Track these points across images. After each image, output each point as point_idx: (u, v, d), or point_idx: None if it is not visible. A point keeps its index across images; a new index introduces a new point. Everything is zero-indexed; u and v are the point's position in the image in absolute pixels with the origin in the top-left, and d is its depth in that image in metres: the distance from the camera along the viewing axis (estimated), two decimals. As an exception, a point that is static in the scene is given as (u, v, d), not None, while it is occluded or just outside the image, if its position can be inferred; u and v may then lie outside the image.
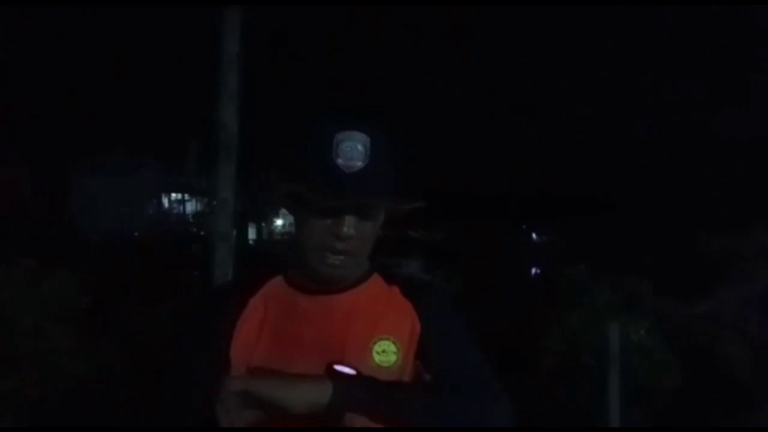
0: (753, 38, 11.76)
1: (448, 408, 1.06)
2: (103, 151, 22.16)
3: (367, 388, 1.03)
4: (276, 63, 13.21)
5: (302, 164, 1.09)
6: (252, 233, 21.50)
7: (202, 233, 19.13)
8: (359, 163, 1.07)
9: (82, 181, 22.25)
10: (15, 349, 4.26)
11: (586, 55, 15.59)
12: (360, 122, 1.09)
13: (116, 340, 5.13)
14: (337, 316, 1.14)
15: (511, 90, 16.68)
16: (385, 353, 1.12)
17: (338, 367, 1.05)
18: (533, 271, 16.26)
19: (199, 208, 24.22)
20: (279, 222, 24.10)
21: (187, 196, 25.70)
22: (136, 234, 20.33)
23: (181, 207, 26.40)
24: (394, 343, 1.13)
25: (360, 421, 1.03)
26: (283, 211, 1.22)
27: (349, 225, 1.08)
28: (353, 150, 1.07)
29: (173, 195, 26.44)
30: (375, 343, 1.12)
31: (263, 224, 23.21)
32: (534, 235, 20.27)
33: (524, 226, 19.71)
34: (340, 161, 1.06)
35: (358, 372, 1.06)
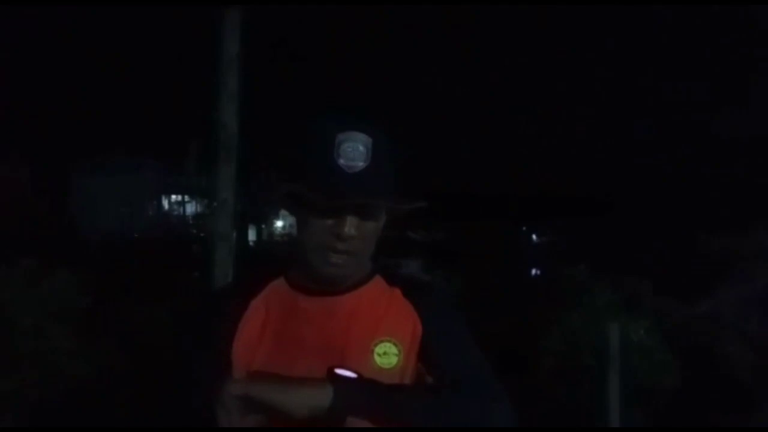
0: (753, 38, 11.77)
1: (449, 410, 1.06)
2: (103, 151, 22.15)
3: (368, 392, 1.03)
4: (276, 63, 13.20)
5: (303, 164, 1.09)
6: (252, 234, 21.50)
7: (202, 234, 19.13)
8: (361, 164, 1.07)
9: (82, 181, 22.23)
10: (15, 349, 4.26)
11: (586, 55, 15.59)
12: (361, 123, 1.09)
13: (116, 340, 5.14)
14: (338, 318, 1.14)
15: (511, 90, 16.68)
16: (387, 355, 1.12)
17: (339, 371, 1.05)
18: (533, 271, 16.27)
19: (199, 208, 24.21)
20: (279, 223, 24.09)
21: (187, 197, 25.70)
22: (135, 234, 20.33)
23: (181, 207, 26.39)
24: (395, 344, 1.13)
25: (361, 423, 1.03)
26: (284, 212, 1.22)
27: (350, 225, 1.08)
28: (355, 150, 1.07)
29: (173, 195, 26.44)
30: (376, 344, 1.12)
31: (263, 225, 23.21)
32: (534, 236, 20.27)
33: (524, 227, 19.70)
34: (341, 161, 1.06)
35: (359, 375, 1.06)
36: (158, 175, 24.68)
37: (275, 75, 13.39)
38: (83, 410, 4.48)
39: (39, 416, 4.30)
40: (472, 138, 17.85)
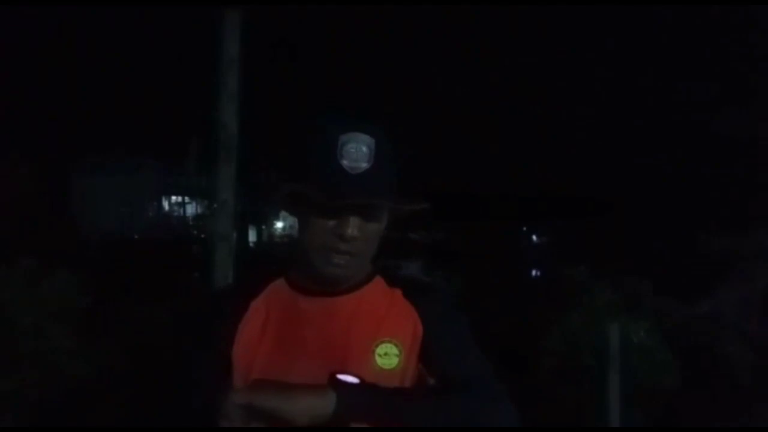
0: (753, 38, 11.76)
1: (452, 413, 1.06)
2: (103, 151, 22.15)
3: (371, 397, 1.03)
4: (276, 63, 13.20)
5: (306, 165, 1.09)
6: (252, 235, 21.50)
7: (202, 235, 19.14)
8: (364, 165, 1.07)
9: (82, 181, 22.25)
10: (15, 349, 4.26)
11: (586, 55, 15.58)
12: (364, 123, 1.10)
13: (116, 340, 5.14)
14: (339, 319, 1.14)
15: (511, 90, 16.67)
16: (388, 356, 1.12)
17: (341, 377, 1.05)
18: (533, 271, 16.27)
19: (199, 209, 24.23)
20: (279, 224, 24.10)
21: (187, 197, 25.71)
22: (136, 235, 20.34)
23: (181, 208, 26.40)
24: (396, 345, 1.13)
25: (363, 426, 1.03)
26: (284, 213, 1.22)
27: (353, 226, 1.08)
28: (358, 151, 1.07)
29: (173, 196, 26.44)
30: (377, 345, 1.12)
31: (263, 226, 23.21)
32: (534, 236, 20.28)
33: (524, 227, 19.71)
34: (345, 162, 1.06)
35: (361, 380, 1.06)
36: (158, 176, 24.70)
37: (275, 75, 13.39)
38: (83, 410, 4.48)
39: (39, 416, 4.30)
40: (472, 138, 17.84)
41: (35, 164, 16.51)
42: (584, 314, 5.16)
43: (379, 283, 1.20)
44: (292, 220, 1.21)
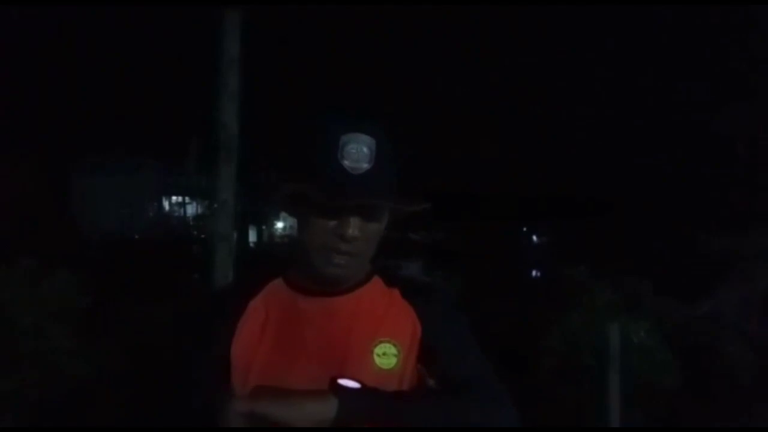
0: (753, 38, 11.76)
1: (453, 415, 1.06)
2: (103, 151, 22.15)
3: (372, 401, 1.04)
4: (276, 63, 13.20)
5: (307, 165, 1.09)
6: (252, 235, 21.50)
7: (202, 236, 19.14)
8: (365, 165, 1.07)
9: (82, 181, 22.25)
10: (15, 349, 4.26)
11: (586, 55, 15.58)
12: (365, 124, 1.09)
13: (116, 340, 5.14)
14: (338, 319, 1.14)
15: (511, 90, 16.67)
16: (386, 356, 1.12)
17: (342, 381, 1.05)
18: (533, 271, 16.27)
19: (199, 208, 24.23)
20: (280, 224, 24.09)
21: (187, 198, 25.71)
22: (136, 235, 20.34)
23: (181, 208, 26.40)
24: (394, 345, 1.13)
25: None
26: (284, 213, 1.21)
27: (354, 226, 1.08)
28: (359, 152, 1.07)
29: (173, 196, 26.44)
30: (376, 345, 1.12)
31: (264, 226, 23.21)
32: (534, 236, 20.28)
33: (524, 227, 19.72)
34: (346, 163, 1.06)
35: (362, 384, 1.06)
36: (158, 176, 24.70)
37: (275, 75, 13.39)
38: (83, 410, 4.48)
39: (39, 416, 4.30)
40: (473, 138, 17.84)
41: (35, 164, 16.51)
42: (584, 314, 5.16)
43: (377, 283, 1.20)
44: (292, 220, 1.20)
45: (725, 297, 6.05)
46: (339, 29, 15.30)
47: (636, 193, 14.04)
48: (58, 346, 4.36)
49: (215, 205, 3.36)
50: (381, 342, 1.13)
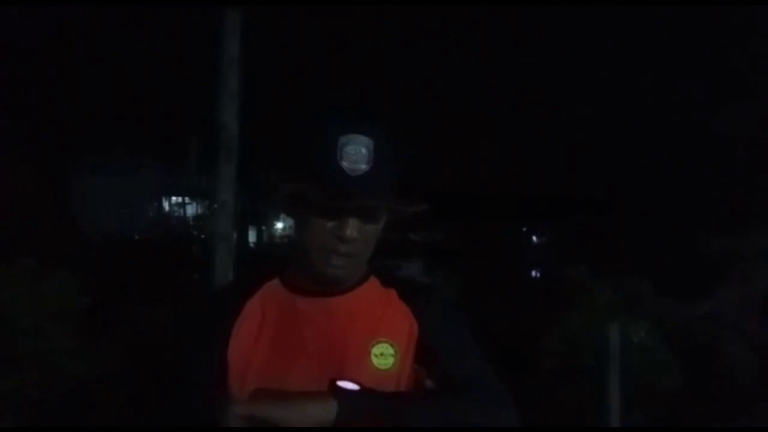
0: (753, 38, 11.76)
1: (452, 415, 1.07)
2: (103, 151, 22.15)
3: (371, 402, 1.04)
4: (276, 63, 13.19)
5: (306, 166, 1.09)
6: (252, 235, 21.51)
7: (202, 236, 19.15)
8: (363, 166, 1.07)
9: (82, 181, 22.25)
10: (15, 349, 4.26)
11: (586, 55, 15.58)
12: (363, 124, 1.09)
13: (116, 340, 5.14)
14: (336, 319, 1.14)
15: (511, 90, 16.67)
16: (384, 356, 1.12)
17: (341, 383, 1.05)
18: (533, 271, 16.27)
19: (199, 209, 24.24)
20: (279, 225, 24.09)
21: (187, 198, 25.71)
22: (135, 235, 20.34)
23: (181, 208, 26.40)
24: (392, 345, 1.13)
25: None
26: (283, 213, 1.21)
27: (352, 227, 1.08)
28: (357, 153, 1.07)
29: (173, 196, 26.44)
30: (373, 345, 1.13)
31: (263, 226, 23.21)
32: (534, 236, 20.27)
33: (524, 227, 19.70)
34: (344, 164, 1.06)
35: (361, 385, 1.06)
36: (158, 176, 24.70)
37: (275, 75, 13.39)
38: (83, 410, 4.48)
39: (39, 416, 4.30)
40: (473, 138, 17.84)
41: (35, 164, 16.51)
42: (584, 314, 5.15)
43: (374, 283, 1.20)
44: (292, 221, 1.20)
45: (725, 297, 6.05)
46: (339, 29, 15.31)
47: (636, 193, 14.03)
48: (58, 346, 4.36)
49: (215, 206, 3.36)
50: (378, 342, 1.13)
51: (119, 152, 22.65)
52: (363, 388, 1.06)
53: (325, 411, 1.00)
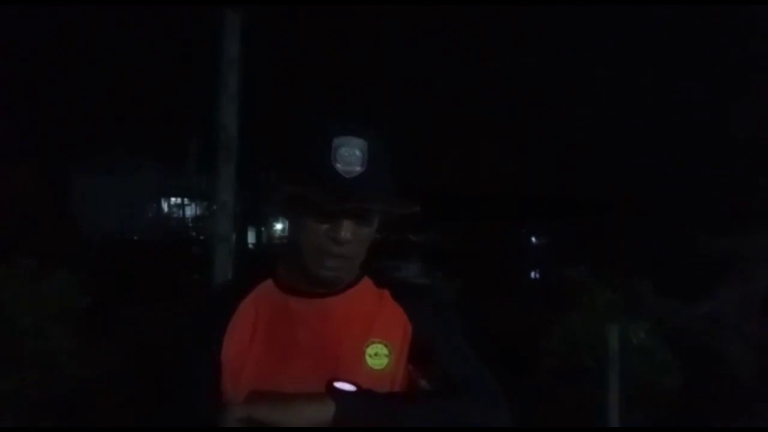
0: (753, 38, 11.76)
1: (448, 415, 1.07)
2: (103, 151, 22.17)
3: (368, 403, 1.05)
4: (276, 64, 13.19)
5: (300, 168, 1.09)
6: (252, 236, 21.51)
7: (201, 237, 19.16)
8: (358, 168, 1.07)
9: (82, 181, 22.26)
10: (15, 349, 4.26)
11: (586, 55, 15.58)
12: (357, 127, 1.10)
13: (116, 340, 5.15)
14: (330, 320, 1.15)
15: (511, 90, 16.67)
16: (378, 356, 1.13)
17: (338, 384, 1.06)
18: (533, 271, 16.27)
19: (198, 209, 24.25)
20: (279, 225, 24.08)
21: (186, 198, 25.72)
22: (135, 235, 20.35)
23: (181, 209, 26.41)
24: (386, 346, 1.14)
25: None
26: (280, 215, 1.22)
27: (346, 229, 1.08)
28: (351, 155, 1.07)
29: (173, 196, 26.45)
30: (368, 346, 1.13)
31: (263, 227, 23.21)
32: (534, 236, 20.27)
33: (524, 227, 19.70)
34: (339, 166, 1.07)
35: (358, 386, 1.06)
36: (158, 176, 24.70)
37: (275, 76, 13.39)
38: (83, 410, 4.49)
39: (39, 416, 4.30)
40: (472, 138, 17.85)
41: (35, 164, 16.51)
42: (584, 315, 5.16)
43: (367, 283, 1.20)
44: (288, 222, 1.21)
45: (725, 297, 6.04)
46: (339, 30, 15.31)
47: (636, 193, 14.04)
48: (58, 346, 4.36)
49: (215, 206, 3.36)
50: (373, 342, 1.13)
51: (119, 152, 22.67)
52: (360, 389, 1.06)
53: (323, 412, 1.01)
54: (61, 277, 4.62)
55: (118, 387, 4.74)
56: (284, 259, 1.19)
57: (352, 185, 1.06)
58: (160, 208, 26.45)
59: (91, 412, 4.54)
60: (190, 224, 23.50)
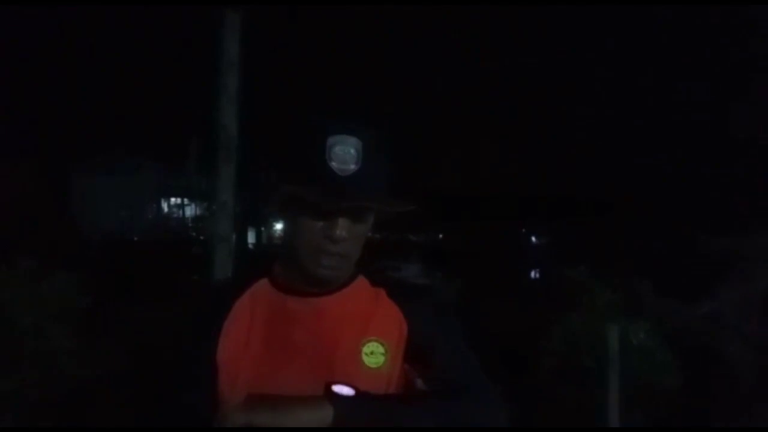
0: (753, 38, 11.76)
1: (445, 417, 1.08)
2: (103, 151, 22.18)
3: (366, 406, 1.05)
4: (276, 65, 13.19)
5: (296, 167, 1.10)
6: (252, 236, 21.52)
7: (201, 237, 19.16)
8: (352, 166, 1.08)
9: (82, 181, 22.26)
10: (15, 349, 4.26)
11: (586, 55, 15.59)
12: (352, 126, 1.10)
13: (116, 340, 5.15)
14: (327, 318, 1.15)
15: (511, 91, 16.68)
16: (374, 354, 1.13)
17: (336, 387, 1.06)
18: (533, 271, 16.27)
19: (198, 209, 24.25)
20: (278, 225, 24.08)
21: (186, 198, 25.72)
22: (135, 235, 20.35)
23: (181, 209, 26.40)
24: (382, 344, 1.14)
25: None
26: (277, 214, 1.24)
27: (342, 227, 1.09)
28: (346, 153, 1.08)
29: (173, 196, 26.45)
30: (364, 344, 1.14)
31: (263, 227, 23.22)
32: (534, 236, 20.27)
33: (524, 227, 19.71)
34: (334, 164, 1.07)
35: (355, 388, 1.07)
36: (158, 177, 24.71)
37: (275, 76, 13.39)
38: (83, 410, 4.48)
39: (39, 416, 4.30)
40: (472, 139, 17.85)
41: (35, 164, 16.52)
42: (584, 315, 5.16)
43: (363, 282, 1.21)
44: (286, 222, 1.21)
45: (725, 297, 6.04)
46: (339, 30, 15.31)
47: (636, 193, 14.04)
48: (58, 346, 4.36)
49: (215, 206, 3.36)
50: (369, 341, 1.14)
51: (119, 152, 22.68)
52: (358, 392, 1.07)
53: (321, 416, 1.02)
54: (61, 277, 4.62)
55: (118, 387, 4.74)
56: (281, 258, 1.19)
57: (347, 183, 1.07)
58: (160, 208, 26.45)
59: (91, 412, 4.54)
60: (190, 224, 23.50)
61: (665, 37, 14.18)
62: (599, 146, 15.03)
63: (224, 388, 1.11)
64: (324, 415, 1.02)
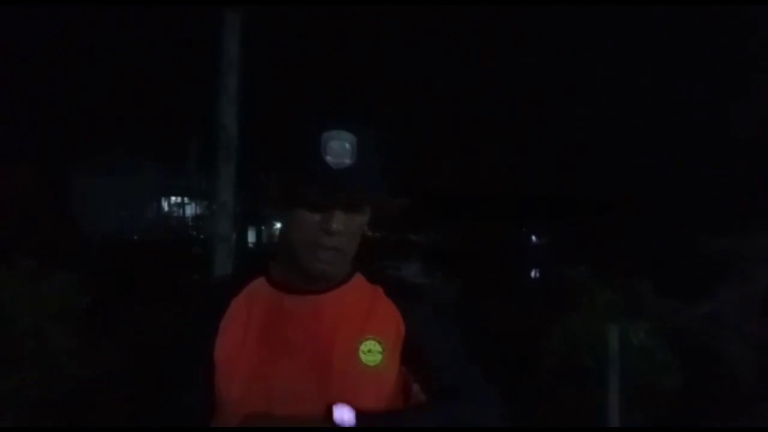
0: (754, 38, 11.76)
1: (444, 419, 1.10)
2: (103, 151, 22.18)
3: (366, 425, 1.05)
4: (276, 65, 13.20)
5: (292, 162, 1.11)
6: (252, 235, 21.52)
7: (201, 237, 19.15)
8: (347, 161, 1.09)
9: (82, 181, 22.26)
10: (15, 349, 4.26)
11: (586, 55, 15.59)
12: (347, 121, 1.12)
13: (116, 340, 5.14)
14: (323, 316, 1.15)
15: (512, 90, 16.68)
16: (371, 353, 1.14)
17: (336, 408, 1.05)
18: (533, 271, 16.28)
19: (198, 209, 24.24)
20: (278, 225, 24.04)
21: (186, 198, 25.71)
22: (135, 235, 20.35)
23: (181, 209, 26.40)
24: (379, 342, 1.15)
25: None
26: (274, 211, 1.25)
27: (338, 220, 1.10)
28: (341, 148, 1.09)
29: (173, 196, 26.44)
30: (361, 342, 1.14)
31: (263, 227, 23.21)
32: (534, 236, 20.28)
33: (524, 227, 19.71)
34: (329, 158, 1.08)
35: (357, 410, 1.07)
36: (158, 176, 24.70)
37: (275, 76, 13.40)
38: (83, 410, 4.48)
39: (39, 416, 4.30)
40: (472, 139, 17.86)
41: (35, 164, 16.52)
42: (584, 315, 5.15)
43: (360, 280, 1.21)
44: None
45: (725, 297, 6.04)
46: (338, 30, 15.31)
47: (636, 193, 14.04)
48: (58, 346, 4.36)
49: (215, 206, 3.36)
50: (366, 339, 1.14)
51: (119, 152, 22.67)
52: (359, 413, 1.06)
53: None
54: (61, 277, 4.62)
55: (118, 387, 4.74)
56: (277, 256, 1.20)
57: (341, 176, 1.08)
58: (160, 208, 26.45)
59: (91, 412, 4.54)
60: (190, 224, 23.48)
61: (665, 37, 14.18)
62: (599, 146, 15.04)
63: (222, 386, 1.11)
64: None
